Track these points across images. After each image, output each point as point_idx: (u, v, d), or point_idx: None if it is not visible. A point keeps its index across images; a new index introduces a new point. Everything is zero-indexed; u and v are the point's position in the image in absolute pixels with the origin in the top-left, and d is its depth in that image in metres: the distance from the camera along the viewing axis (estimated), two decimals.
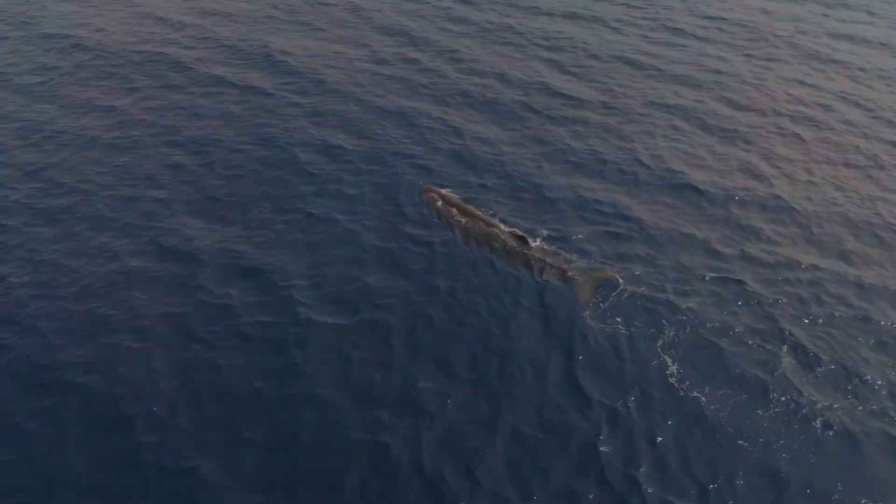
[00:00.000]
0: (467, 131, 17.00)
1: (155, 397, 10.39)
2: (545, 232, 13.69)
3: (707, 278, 12.79)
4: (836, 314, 12.17)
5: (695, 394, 10.62)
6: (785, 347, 11.45)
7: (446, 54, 20.92)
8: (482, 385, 10.72)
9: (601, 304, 12.08)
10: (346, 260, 12.99)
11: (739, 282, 12.73)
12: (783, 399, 10.61)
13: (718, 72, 20.47)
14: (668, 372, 10.93)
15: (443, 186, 14.72)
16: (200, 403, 10.37)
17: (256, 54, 20.64)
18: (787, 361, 11.21)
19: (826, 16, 24.67)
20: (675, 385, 10.74)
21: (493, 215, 13.93)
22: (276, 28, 22.58)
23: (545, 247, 13.27)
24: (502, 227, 13.48)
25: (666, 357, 11.14)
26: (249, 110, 17.71)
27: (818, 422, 10.33)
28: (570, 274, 12.54)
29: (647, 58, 21.08)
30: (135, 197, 14.55)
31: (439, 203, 13.99)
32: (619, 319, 11.78)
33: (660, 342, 11.39)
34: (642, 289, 12.35)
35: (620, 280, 12.47)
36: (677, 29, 23.20)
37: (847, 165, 16.30)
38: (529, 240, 13.19)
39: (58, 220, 13.89)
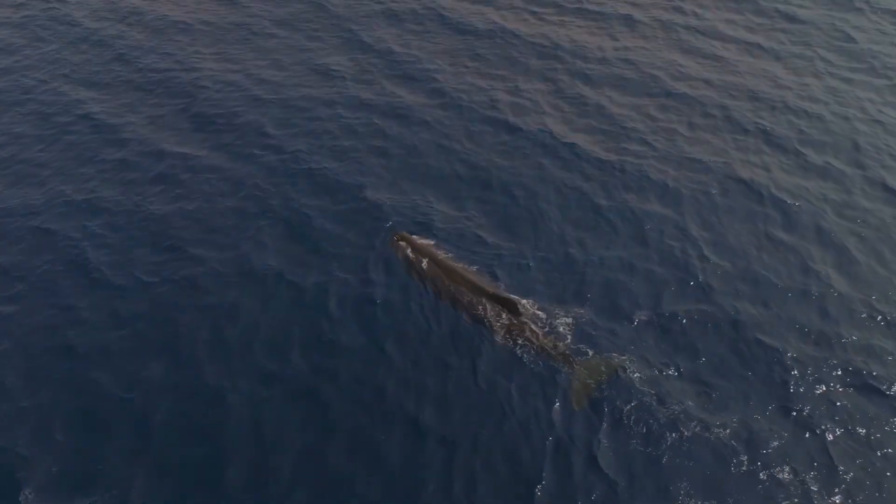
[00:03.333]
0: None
1: None
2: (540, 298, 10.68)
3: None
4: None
5: None
6: None
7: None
8: None
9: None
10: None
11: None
12: None
13: None
14: None
15: (414, 233, 11.83)
16: None
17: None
18: None
19: None
20: None
21: (478, 271, 11.03)
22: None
23: (538, 314, 10.31)
24: (486, 287, 10.53)
25: None
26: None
27: None
28: (570, 360, 9.62)
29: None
30: None
31: (410, 253, 11.33)
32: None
33: None
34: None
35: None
36: None
37: None
38: (520, 306, 10.25)
39: None
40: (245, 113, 14.90)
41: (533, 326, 10.04)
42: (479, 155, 13.65)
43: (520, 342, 9.90)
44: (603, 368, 9.50)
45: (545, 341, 9.86)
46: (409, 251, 11.36)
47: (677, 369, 9.72)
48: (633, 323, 10.31)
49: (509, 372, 9.63)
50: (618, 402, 9.21)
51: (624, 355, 9.74)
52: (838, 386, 9.61)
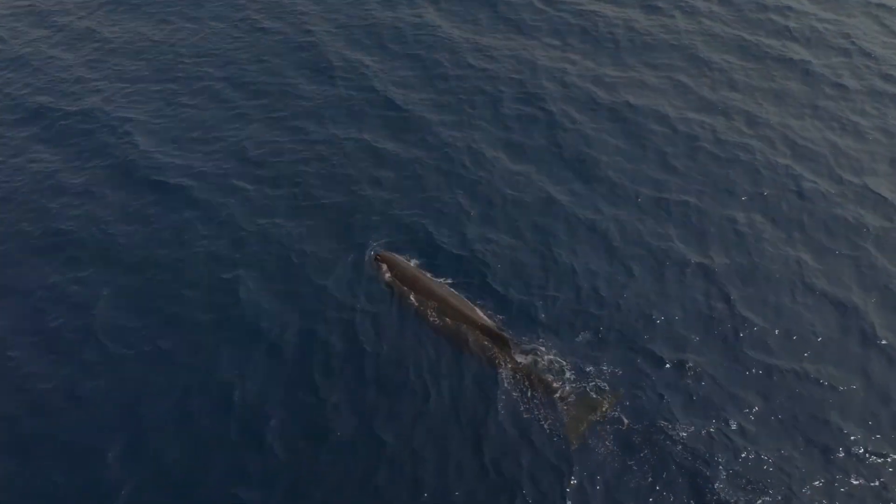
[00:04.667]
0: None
1: None
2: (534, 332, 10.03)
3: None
4: None
5: None
6: None
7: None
8: None
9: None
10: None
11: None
12: None
13: None
14: None
15: (399, 252, 11.13)
16: None
17: None
18: None
19: None
20: None
21: (466, 298, 10.30)
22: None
23: (530, 349, 9.74)
24: (475, 314, 9.99)
25: None
26: None
27: None
28: (562, 396, 9.14)
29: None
30: None
31: (392, 275, 10.71)
32: None
33: None
34: None
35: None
36: None
37: None
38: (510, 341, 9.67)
39: None
40: (202, 155, 13.33)
41: (528, 365, 9.50)
42: (484, 192, 12.44)
43: (517, 379, 9.39)
44: (601, 405, 9.10)
45: (542, 378, 9.34)
46: (392, 275, 10.70)
47: (693, 426, 8.99)
48: (643, 368, 9.65)
49: (517, 449, 8.75)
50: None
51: (622, 391, 9.24)
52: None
